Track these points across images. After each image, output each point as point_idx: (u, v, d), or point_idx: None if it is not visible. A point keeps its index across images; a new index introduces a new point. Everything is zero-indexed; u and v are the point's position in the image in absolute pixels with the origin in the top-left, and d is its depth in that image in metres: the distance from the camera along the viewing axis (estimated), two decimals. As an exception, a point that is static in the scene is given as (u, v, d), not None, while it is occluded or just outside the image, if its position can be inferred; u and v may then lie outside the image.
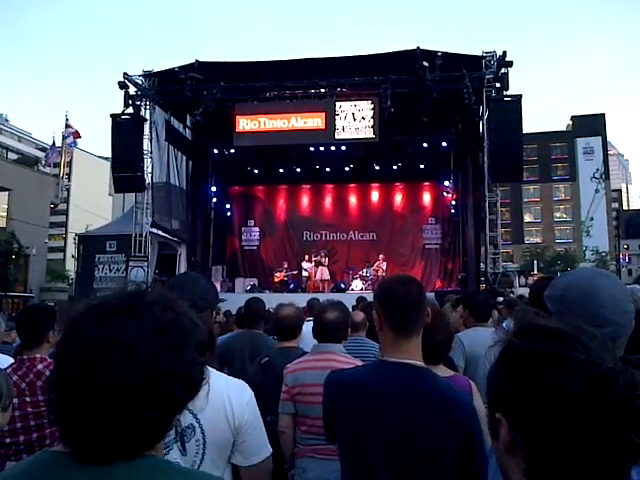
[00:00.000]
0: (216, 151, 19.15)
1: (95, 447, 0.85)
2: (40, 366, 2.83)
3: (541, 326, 0.83)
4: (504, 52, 14.35)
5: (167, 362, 0.87)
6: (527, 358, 0.79)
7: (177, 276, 2.05)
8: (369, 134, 15.47)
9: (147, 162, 16.08)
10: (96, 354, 0.84)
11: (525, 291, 13.37)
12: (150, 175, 16.19)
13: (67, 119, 25.02)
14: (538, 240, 62.08)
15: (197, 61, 15.23)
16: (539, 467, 0.77)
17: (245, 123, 16.06)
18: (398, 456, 1.75)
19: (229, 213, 21.48)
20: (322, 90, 15.79)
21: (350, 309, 6.54)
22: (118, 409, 0.83)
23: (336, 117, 15.51)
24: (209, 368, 1.62)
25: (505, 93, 14.22)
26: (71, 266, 41.96)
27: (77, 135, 25.24)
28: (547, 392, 0.75)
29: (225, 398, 1.66)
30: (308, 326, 3.48)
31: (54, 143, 30.47)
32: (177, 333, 0.91)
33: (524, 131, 14.15)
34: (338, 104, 15.54)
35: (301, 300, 7.02)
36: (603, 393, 0.73)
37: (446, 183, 19.66)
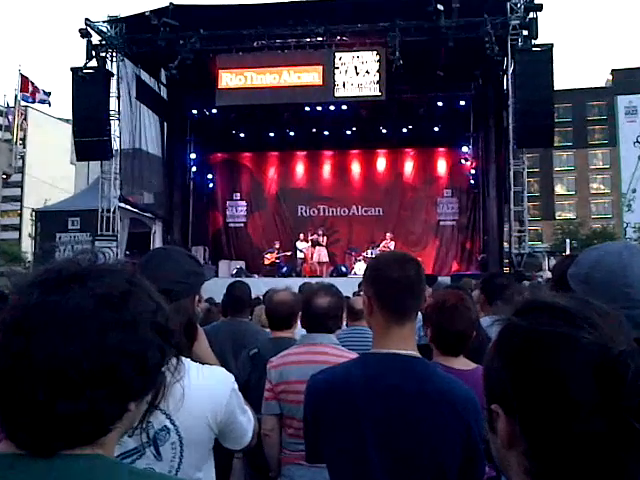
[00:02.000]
0: (195, 112, 19.04)
1: (34, 433, 0.86)
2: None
3: (546, 303, 0.83)
4: (533, -7, 14.19)
5: (115, 337, 0.88)
6: (528, 339, 0.79)
7: (149, 254, 1.95)
8: (374, 91, 15.35)
9: (115, 125, 16.00)
10: (37, 323, 0.86)
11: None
12: (118, 140, 16.12)
13: (21, 74, 24.77)
14: (571, 215, 62.14)
15: (172, 4, 15.03)
16: (541, 463, 0.78)
17: (229, 78, 15.92)
18: (397, 464, 1.77)
19: (211, 184, 21.45)
20: (319, 39, 15.61)
21: (351, 295, 6.65)
22: (59, 385, 0.84)
23: (335, 71, 15.39)
24: (187, 361, 1.65)
25: (534, 42, 14.11)
26: (28, 247, 41.97)
27: (35, 90, 24.89)
28: (550, 379, 0.75)
29: (204, 394, 1.69)
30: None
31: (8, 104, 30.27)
32: (131, 307, 0.92)
33: (556, 87, 14.07)
34: (338, 55, 15.41)
35: (295, 285, 7.06)
36: (612, 380, 0.73)
37: (464, 149, 19.59)
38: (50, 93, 24.92)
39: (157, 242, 17.97)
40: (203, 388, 1.69)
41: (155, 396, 1.54)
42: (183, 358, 1.66)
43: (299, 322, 3.71)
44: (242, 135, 20.03)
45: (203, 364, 1.81)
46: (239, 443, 1.86)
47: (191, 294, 1.84)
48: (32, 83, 24.64)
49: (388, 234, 18.22)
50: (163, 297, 1.63)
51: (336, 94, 15.58)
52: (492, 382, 0.84)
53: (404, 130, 19.34)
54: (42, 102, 25.17)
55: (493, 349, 0.85)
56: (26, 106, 34.44)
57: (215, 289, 7.09)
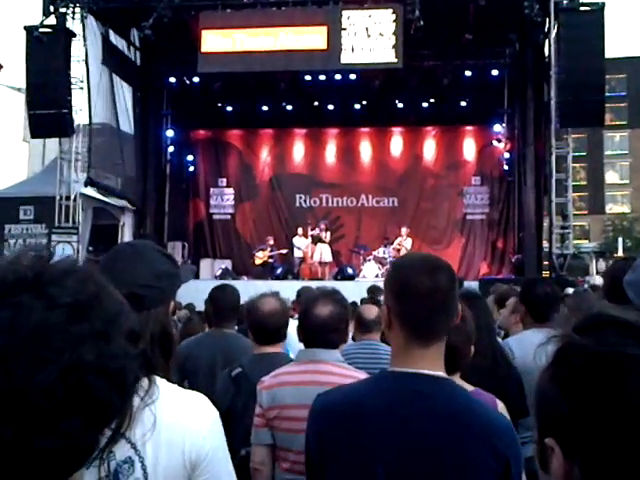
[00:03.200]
0: (173, 80, 19.03)
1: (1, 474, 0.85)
2: None
3: (613, 318, 0.82)
4: (581, -59, 14.19)
5: (92, 351, 0.86)
6: (594, 363, 0.78)
7: (111, 252, 1.91)
8: (389, 57, 15.32)
9: (77, 95, 15.98)
10: None
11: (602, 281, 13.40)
12: (81, 114, 16.10)
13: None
14: (625, 209, 62.00)
15: (146, -49, 15.04)
16: None
17: (214, 40, 15.91)
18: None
19: (192, 168, 21.47)
20: (323, -6, 15.62)
21: (359, 302, 6.66)
22: (29, 421, 0.82)
23: (343, 33, 15.36)
24: (161, 382, 1.65)
25: (582, 1, 14.09)
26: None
27: None
28: (621, 412, 0.73)
29: (178, 424, 1.66)
30: (293, 325, 3.50)
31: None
32: (101, 313, 0.91)
33: (608, 55, 14.09)
34: (346, 14, 15.39)
35: (291, 290, 7.09)
36: None
37: (497, 128, 19.57)
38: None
39: (127, 237, 17.98)
40: (179, 416, 1.67)
41: (120, 421, 1.53)
42: (157, 379, 1.66)
43: (291, 335, 3.72)
44: (229, 109, 20.05)
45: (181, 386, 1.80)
46: None
47: (165, 300, 1.82)
48: None
49: (404, 229, 18.20)
50: (128, 303, 1.63)
51: (343, 60, 15.55)
52: (547, 412, 0.83)
53: (425, 104, 19.35)
54: None
55: (548, 372, 0.84)
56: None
57: (196, 294, 7.09)
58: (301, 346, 3.17)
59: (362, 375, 2.79)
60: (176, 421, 1.65)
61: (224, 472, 1.76)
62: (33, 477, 0.85)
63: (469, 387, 2.60)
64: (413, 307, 1.87)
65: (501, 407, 2.69)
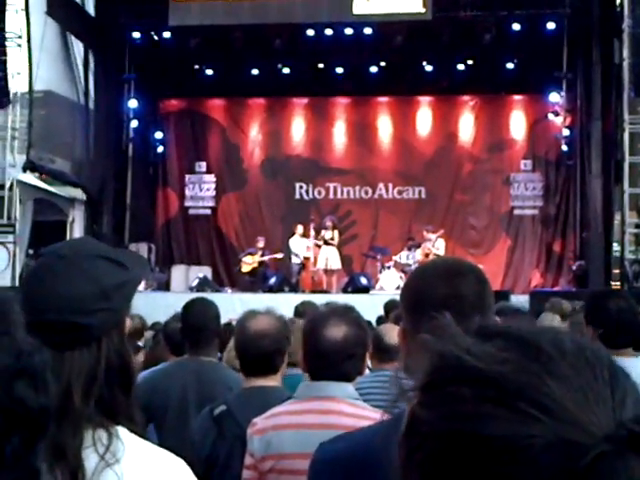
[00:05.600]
0: (138, 35, 19.11)
1: None
2: None
3: (468, 370, 0.77)
4: None
5: (8, 357, 0.90)
6: (442, 449, 0.75)
7: (36, 266, 1.83)
8: (415, 6, 15.43)
9: (13, 55, 15.99)
10: None
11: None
12: (19, 79, 16.12)
13: None
14: None
15: None
16: None
17: (190, -15, 15.99)
18: None
19: (161, 148, 21.57)
20: None
21: (374, 322, 6.64)
22: None
23: (355, -25, 15.44)
24: (124, 434, 1.63)
25: None
26: None
27: None
28: None
29: None
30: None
31: None
32: None
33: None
34: (359, -49, 15.48)
35: (288, 305, 7.08)
36: None
37: (554, 97, 19.57)
38: None
39: (77, 236, 18.02)
40: (150, 478, 1.65)
41: None
42: (120, 430, 1.65)
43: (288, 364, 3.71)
44: (209, 72, 20.13)
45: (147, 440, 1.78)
46: None
47: (119, 322, 1.76)
48: None
49: (427, 231, 18.13)
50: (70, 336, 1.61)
51: (356, 10, 15.67)
52: None
53: (461, 67, 19.39)
54: None
55: (403, 450, 0.81)
56: None
57: (166, 310, 7.09)
58: (306, 377, 3.16)
59: (379, 415, 2.78)
60: None
61: None
62: None
63: None
64: (429, 320, 1.86)
65: None
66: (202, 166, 21.67)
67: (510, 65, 19.13)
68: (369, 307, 9.15)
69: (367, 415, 2.85)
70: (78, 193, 18.64)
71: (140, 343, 7.36)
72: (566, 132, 19.38)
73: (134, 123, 20.41)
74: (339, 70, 19.64)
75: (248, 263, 18.58)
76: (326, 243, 18.09)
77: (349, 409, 2.91)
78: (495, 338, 0.79)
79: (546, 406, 0.71)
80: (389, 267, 17.81)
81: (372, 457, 1.86)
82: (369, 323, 5.97)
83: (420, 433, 0.78)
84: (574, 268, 18.46)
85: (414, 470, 0.77)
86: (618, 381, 0.75)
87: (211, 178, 21.61)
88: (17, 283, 13.83)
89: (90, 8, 18.45)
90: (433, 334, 1.78)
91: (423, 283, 1.97)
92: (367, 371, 4.50)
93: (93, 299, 1.69)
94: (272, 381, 3.60)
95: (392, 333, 4.63)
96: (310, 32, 17.77)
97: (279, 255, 18.77)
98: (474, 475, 0.72)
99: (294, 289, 17.33)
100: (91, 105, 18.44)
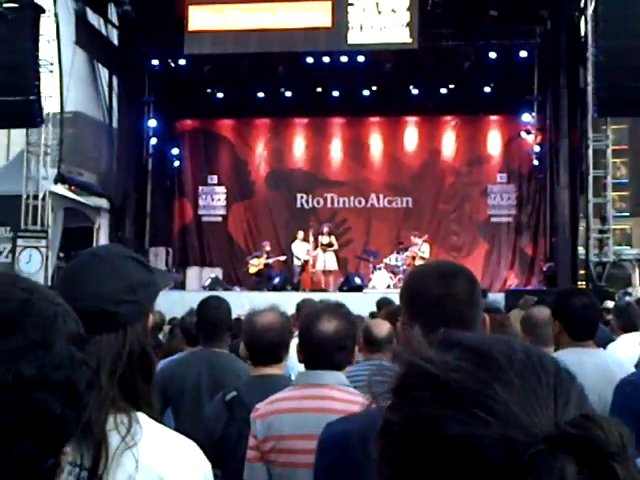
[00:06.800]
0: (156, 63, 19.06)
1: None
2: None
3: (428, 377, 0.78)
4: None
5: (32, 365, 0.87)
6: (406, 447, 0.77)
7: (72, 264, 1.87)
8: (403, 37, 15.38)
9: (46, 80, 15.99)
10: None
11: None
12: (51, 101, 16.12)
13: None
14: (673, 211, 61.99)
15: None
16: None
17: (203, 17, 15.97)
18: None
19: (177, 163, 21.52)
20: (328, -36, 15.66)
21: (366, 317, 6.65)
22: None
23: (350, 8, 15.44)
24: (144, 419, 1.63)
25: (623, -28, 14.12)
26: None
27: None
28: None
29: (162, 471, 1.62)
30: (294, 344, 3.49)
31: None
32: (35, 320, 0.91)
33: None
34: (353, -12, 15.46)
35: (290, 303, 7.09)
36: None
37: (526, 117, 19.55)
38: None
39: (103, 241, 17.97)
40: (166, 466, 1.63)
41: (96, 463, 1.52)
42: (140, 416, 1.64)
43: (292, 355, 3.72)
44: (220, 95, 20.07)
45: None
46: None
47: (142, 315, 1.77)
48: None
49: (415, 237, 18.11)
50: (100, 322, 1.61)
51: (350, 40, 15.60)
52: None
53: (443, 91, 19.36)
54: None
55: (378, 445, 0.82)
56: None
57: (182, 306, 7.11)
58: (302, 367, 3.17)
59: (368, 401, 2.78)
60: (161, 470, 1.61)
61: None
62: None
63: None
64: (425, 319, 1.89)
65: None
66: (214, 179, 21.62)
67: (487, 89, 19.09)
68: (362, 304, 9.16)
69: (357, 400, 2.83)
70: (103, 202, 18.62)
71: (160, 336, 7.37)
72: (537, 148, 19.36)
73: (153, 140, 20.36)
74: (335, 93, 19.60)
75: (255, 265, 18.54)
76: (324, 247, 18.09)
77: (341, 395, 2.91)
78: (454, 348, 0.80)
79: (493, 409, 0.72)
80: (380, 268, 17.78)
81: (369, 436, 1.89)
82: (360, 317, 5.98)
83: (389, 432, 0.79)
84: (544, 269, 18.42)
85: (385, 464, 0.79)
86: (562, 386, 0.75)
87: (222, 189, 21.55)
88: (49, 283, 13.81)
89: (114, 38, 18.43)
90: (406, 343, 1.81)
91: (420, 284, 2.00)
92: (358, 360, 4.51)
93: (121, 291, 1.72)
94: (277, 369, 3.60)
95: (381, 327, 4.64)
96: (309, 60, 17.72)
97: (282, 258, 18.75)
98: (434, 469, 0.73)
99: (296, 288, 17.31)
100: (115, 124, 18.40)
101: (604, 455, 0.68)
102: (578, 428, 0.69)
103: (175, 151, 21.43)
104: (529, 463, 0.68)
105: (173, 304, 9.72)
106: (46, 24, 15.98)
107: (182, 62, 18.38)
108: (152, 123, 20.15)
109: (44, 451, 0.88)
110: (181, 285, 18.00)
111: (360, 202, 20.86)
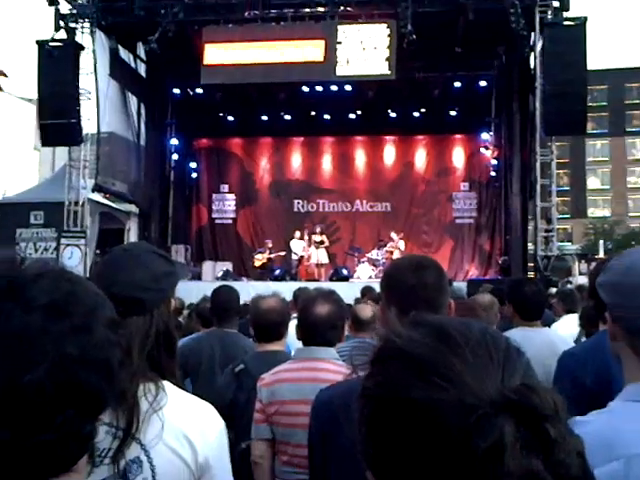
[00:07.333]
0: (177, 91, 19.06)
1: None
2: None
3: (397, 350, 0.80)
4: (564, -41, 14.22)
5: (76, 346, 0.87)
6: (379, 408, 0.78)
7: (106, 258, 1.89)
8: (383, 69, 15.34)
9: (85, 106, 15.98)
10: None
11: (587, 280, 13.38)
12: (89, 123, 16.11)
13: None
14: (606, 213, 62.22)
15: (151, -32, 15.06)
16: None
17: (216, 53, 15.92)
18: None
19: (195, 174, 21.47)
20: (320, 9, 15.61)
21: (352, 302, 6.65)
22: (21, 420, 0.83)
23: (338, 46, 15.38)
24: (169, 387, 1.64)
25: (565, 16, 14.14)
26: (-15, 244, 41.86)
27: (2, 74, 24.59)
28: (410, 457, 0.73)
29: (185, 429, 1.65)
30: (293, 325, 3.49)
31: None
32: (80, 308, 0.91)
33: (590, 67, 14.10)
34: (341, 29, 15.41)
35: (288, 291, 7.09)
36: (458, 457, 0.69)
37: (484, 136, 19.61)
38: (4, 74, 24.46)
39: (132, 240, 17.96)
40: (187, 424, 1.65)
41: (129, 424, 1.53)
42: (165, 384, 1.65)
43: (291, 334, 3.72)
44: (230, 118, 20.06)
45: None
46: None
47: (166, 300, 1.78)
48: None
49: (393, 234, 18.19)
50: (131, 307, 1.60)
51: (339, 72, 15.56)
52: (360, 446, 0.82)
53: (416, 114, 19.38)
54: None
55: (357, 407, 0.82)
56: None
57: (198, 294, 7.11)
58: (300, 344, 3.17)
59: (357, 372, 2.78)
60: (184, 428, 1.64)
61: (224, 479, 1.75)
62: (37, 470, 0.86)
63: None
64: (401, 301, 1.91)
65: None
66: (225, 188, 21.58)
67: (452, 112, 19.11)
68: (349, 291, 9.14)
69: (345, 372, 2.84)
70: (132, 208, 18.65)
71: (180, 319, 7.36)
72: (494, 162, 19.47)
73: (174, 156, 20.40)
74: (326, 116, 19.61)
75: (259, 259, 18.53)
76: (317, 244, 18.12)
77: (332, 367, 2.91)
78: (421, 327, 0.81)
79: (450, 378, 0.73)
80: (363, 262, 17.81)
81: (350, 401, 1.88)
82: (349, 304, 5.99)
83: (365, 397, 0.81)
84: (500, 262, 18.47)
85: (363, 423, 0.80)
86: (510, 360, 0.77)
87: (232, 197, 21.52)
88: (87, 275, 13.80)
89: (142, 71, 18.40)
90: (385, 323, 1.79)
91: (397, 274, 2.01)
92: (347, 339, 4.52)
93: (147, 280, 1.73)
94: (278, 346, 3.60)
95: (365, 310, 4.64)
96: (305, 88, 17.73)
97: (282, 253, 18.73)
98: (401, 428, 0.74)
99: (293, 278, 17.30)
100: (142, 143, 18.37)
101: (539, 418, 0.70)
102: (518, 394, 0.71)
103: (193, 165, 21.39)
104: (476, 422, 0.69)
105: (191, 292, 9.71)
106: (85, 59, 15.99)
107: (199, 91, 18.38)
108: (174, 142, 20.19)
109: (83, 419, 0.88)
110: (198, 276, 17.98)
111: (347, 207, 20.86)
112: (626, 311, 1.38)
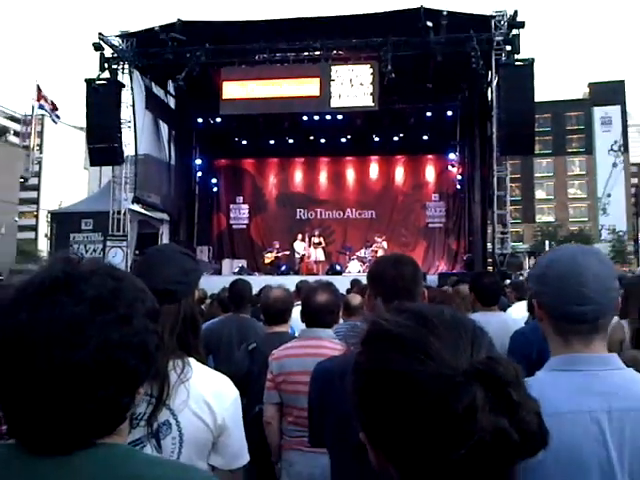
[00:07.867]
0: (200, 120, 19.02)
1: (50, 438, 0.85)
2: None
3: (385, 331, 0.80)
4: (515, 12, 14.17)
5: (117, 333, 0.88)
6: (369, 381, 0.78)
7: (144, 257, 1.90)
8: (368, 102, 15.35)
9: (125, 132, 15.98)
10: (35, 339, 0.84)
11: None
12: (128, 146, 16.12)
13: (39, 89, 24.63)
14: (550, 218, 62.26)
15: (179, 20, 15.01)
16: None
17: (232, 89, 15.90)
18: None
19: (215, 189, 21.41)
20: (317, 53, 15.61)
21: (345, 292, 6.66)
22: (69, 392, 0.84)
23: (332, 83, 15.37)
24: (193, 363, 1.64)
25: (516, 57, 14.12)
26: (44, 246, 41.84)
27: (53, 107, 24.62)
28: (397, 422, 0.73)
29: (207, 397, 1.66)
30: (296, 311, 3.49)
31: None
32: (122, 301, 0.91)
33: (536, 99, 14.07)
34: (334, 68, 15.40)
35: (292, 283, 7.08)
36: (450, 419, 0.69)
37: (451, 156, 19.61)
38: (57, 108, 24.28)
39: (164, 242, 17.92)
40: (209, 393, 1.66)
41: (161, 393, 1.54)
42: (191, 360, 1.65)
43: (295, 318, 3.72)
44: (244, 142, 20.00)
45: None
46: (229, 464, 1.72)
47: (192, 291, 1.79)
48: (45, 98, 24.21)
49: (377, 236, 18.15)
50: (165, 297, 1.61)
51: (332, 104, 15.56)
52: (355, 412, 0.81)
53: (395, 138, 19.34)
54: (53, 119, 24.78)
55: (351, 379, 0.83)
56: (42, 115, 34.36)
57: (219, 286, 7.10)
58: (303, 326, 3.18)
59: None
60: (206, 396, 1.65)
61: (238, 437, 1.75)
62: (84, 432, 0.87)
63: None
64: (384, 290, 1.91)
65: None
66: (240, 199, 21.50)
67: (425, 137, 19.04)
68: (341, 283, 9.04)
69: (340, 348, 2.84)
70: (165, 216, 18.59)
71: (202, 307, 7.34)
72: (459, 177, 19.44)
73: (199, 174, 20.32)
74: (322, 140, 19.52)
75: (268, 257, 18.52)
76: (315, 245, 18.12)
77: (330, 344, 2.92)
78: (404, 313, 0.82)
79: (429, 353, 0.74)
80: (353, 259, 17.77)
81: (345, 372, 1.88)
82: (342, 294, 5.99)
83: (358, 370, 0.81)
84: (464, 259, 18.45)
85: (357, 393, 0.80)
86: (477, 338, 0.77)
87: (246, 206, 21.41)
88: (128, 271, 13.78)
89: (171, 104, 18.38)
90: (371, 310, 1.79)
91: (381, 268, 2.01)
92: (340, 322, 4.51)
93: (177, 275, 1.73)
94: (283, 328, 3.60)
95: (355, 299, 4.65)
96: (304, 118, 17.68)
97: (287, 252, 18.71)
98: (387, 397, 0.74)
99: (296, 273, 17.23)
100: (172, 162, 18.33)
101: (503, 384, 0.71)
102: (485, 365, 0.72)
103: (214, 180, 21.27)
104: (453, 389, 0.71)
105: (212, 284, 9.66)
106: (125, 95, 15.95)
107: (218, 120, 18.33)
108: (198, 162, 20.11)
109: (122, 393, 0.89)
110: (218, 271, 17.96)
111: (339, 214, 20.78)
112: (548, 298, 1.39)
